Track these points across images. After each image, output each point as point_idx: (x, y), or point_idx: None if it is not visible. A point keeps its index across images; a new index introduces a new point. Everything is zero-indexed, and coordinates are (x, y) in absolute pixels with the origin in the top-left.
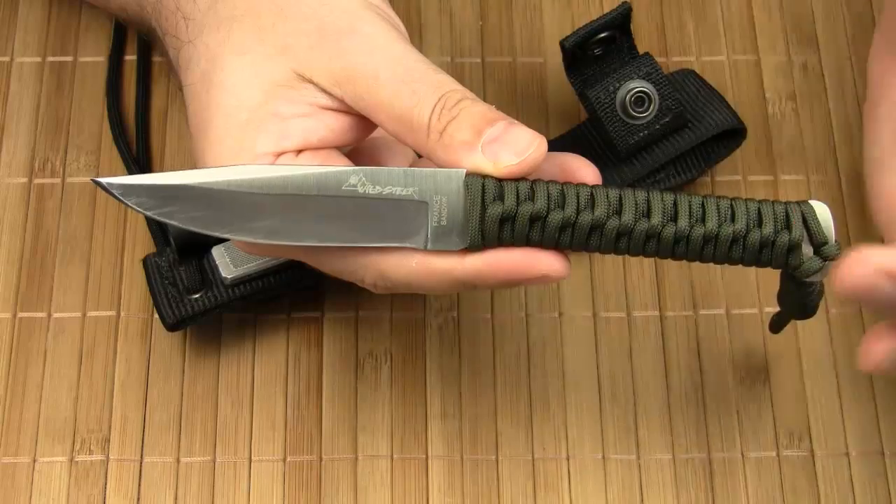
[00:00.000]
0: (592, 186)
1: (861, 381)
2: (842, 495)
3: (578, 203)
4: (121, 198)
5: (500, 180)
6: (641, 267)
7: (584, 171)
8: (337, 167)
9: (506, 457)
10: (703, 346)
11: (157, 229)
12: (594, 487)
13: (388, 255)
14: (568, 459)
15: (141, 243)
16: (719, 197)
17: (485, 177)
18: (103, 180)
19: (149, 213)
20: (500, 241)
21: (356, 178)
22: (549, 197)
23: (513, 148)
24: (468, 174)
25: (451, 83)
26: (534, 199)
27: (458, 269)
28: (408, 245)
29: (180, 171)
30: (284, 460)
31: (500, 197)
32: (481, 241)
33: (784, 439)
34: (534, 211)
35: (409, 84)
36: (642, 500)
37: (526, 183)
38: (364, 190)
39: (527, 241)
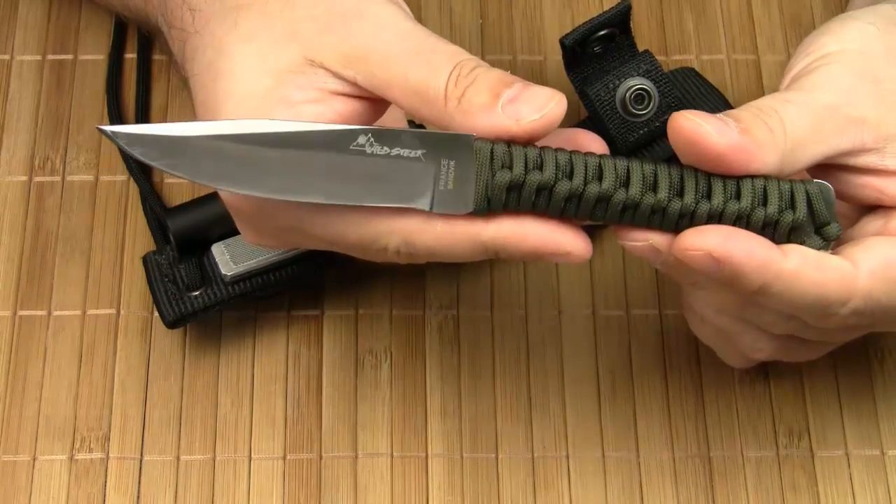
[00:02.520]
0: (600, 156)
1: (860, 380)
2: (841, 494)
3: (586, 174)
4: (126, 147)
5: (508, 145)
6: (641, 265)
7: (592, 145)
8: (345, 126)
9: (505, 455)
10: (702, 345)
11: (157, 227)
12: (594, 485)
13: (412, 219)
14: (567, 458)
15: (141, 241)
16: (725, 174)
17: (493, 142)
18: (108, 129)
19: (154, 164)
20: (506, 208)
21: (364, 137)
22: (557, 166)
23: (533, 104)
24: (477, 138)
25: (464, 53)
26: (542, 168)
27: (483, 234)
28: (413, 206)
29: (187, 122)
30: (284, 458)
31: (509, 164)
32: (487, 207)
33: (783, 438)
34: (542, 181)
35: (422, 56)
36: (642, 499)
37: (535, 150)
38: (372, 150)
39: (532, 209)
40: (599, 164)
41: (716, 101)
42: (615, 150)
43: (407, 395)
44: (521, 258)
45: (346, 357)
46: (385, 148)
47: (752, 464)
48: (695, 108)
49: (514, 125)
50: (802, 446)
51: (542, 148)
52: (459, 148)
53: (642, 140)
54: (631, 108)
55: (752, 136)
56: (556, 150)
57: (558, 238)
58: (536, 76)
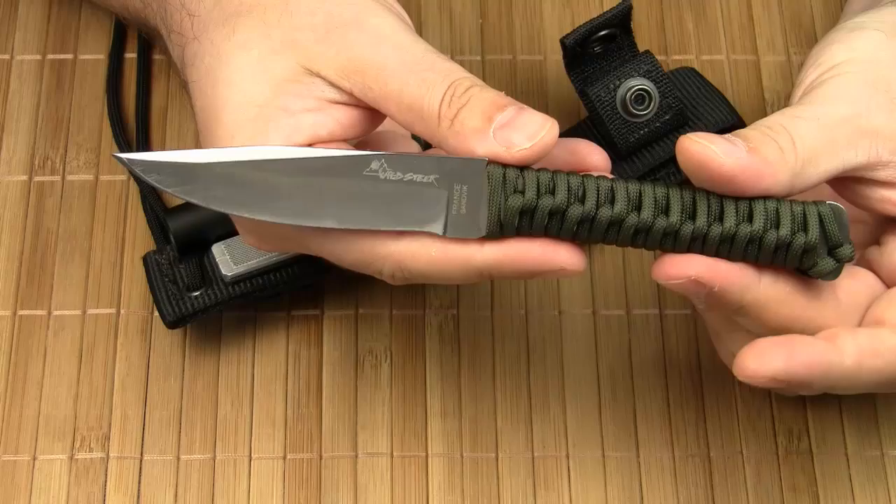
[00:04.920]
0: (612, 180)
1: None
2: (841, 494)
3: (598, 198)
4: (141, 174)
5: (521, 170)
6: (641, 265)
7: (594, 156)
8: (359, 152)
9: (506, 454)
10: (702, 345)
11: (158, 227)
12: (594, 485)
13: (407, 244)
14: (568, 457)
15: (141, 241)
16: (738, 196)
17: (506, 166)
18: (124, 156)
19: (168, 191)
20: (518, 232)
21: (377, 163)
22: (569, 190)
23: (524, 132)
24: (489, 163)
25: (460, 71)
26: (554, 193)
27: (476, 258)
28: (426, 231)
29: (202, 150)
30: (284, 458)
31: (521, 188)
32: (500, 231)
33: (783, 437)
34: (554, 205)
35: (418, 73)
36: (642, 498)
37: (547, 173)
38: (385, 175)
39: (545, 233)
40: (611, 187)
41: (716, 102)
42: (616, 151)
43: (407, 395)
44: (517, 279)
45: (346, 357)
46: (398, 173)
47: (752, 464)
48: (695, 108)
49: (505, 152)
50: (802, 446)
51: (555, 172)
52: (472, 172)
53: (643, 140)
54: (631, 108)
55: (761, 155)
56: (568, 173)
57: (552, 255)
58: (536, 76)
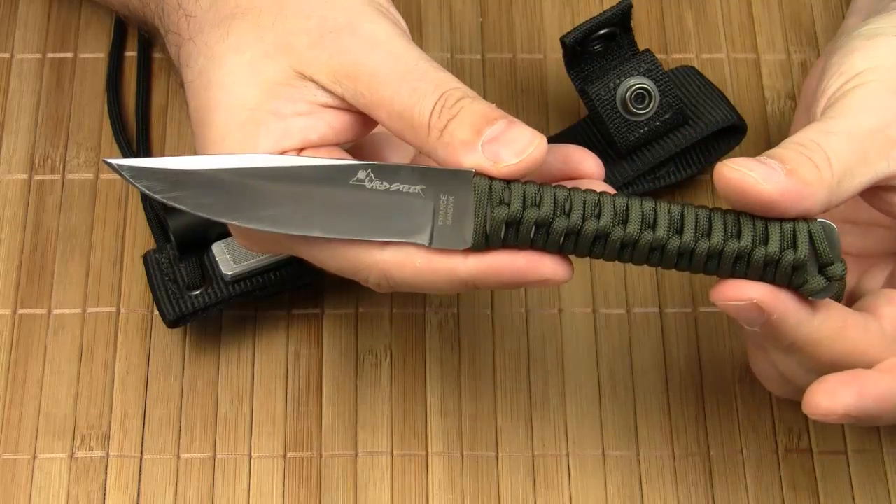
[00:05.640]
0: (599, 193)
1: None
2: (841, 493)
3: (584, 211)
4: (130, 180)
5: (507, 182)
6: None
7: (587, 163)
8: (346, 161)
9: (506, 453)
10: (702, 343)
11: (158, 225)
12: (594, 484)
13: (392, 254)
14: (568, 456)
15: (141, 240)
16: (725, 211)
17: (492, 178)
18: (114, 161)
19: (157, 197)
20: (504, 243)
21: (364, 172)
22: (555, 203)
23: (512, 147)
24: (476, 174)
25: (452, 81)
26: (540, 205)
27: (461, 269)
28: (412, 241)
29: (192, 157)
30: (284, 457)
31: (507, 200)
32: (485, 243)
33: (783, 436)
34: (539, 217)
35: (409, 82)
36: (642, 497)
37: (533, 186)
38: (371, 185)
39: (530, 245)
40: (598, 200)
41: (716, 100)
42: (616, 150)
43: (407, 394)
44: (501, 288)
45: (346, 356)
46: (385, 183)
47: (752, 462)
48: (695, 107)
49: (492, 166)
50: (802, 444)
51: (542, 185)
52: (458, 183)
53: (643, 139)
54: (631, 107)
55: (799, 176)
56: (555, 186)
57: (536, 266)
58: (536, 74)
